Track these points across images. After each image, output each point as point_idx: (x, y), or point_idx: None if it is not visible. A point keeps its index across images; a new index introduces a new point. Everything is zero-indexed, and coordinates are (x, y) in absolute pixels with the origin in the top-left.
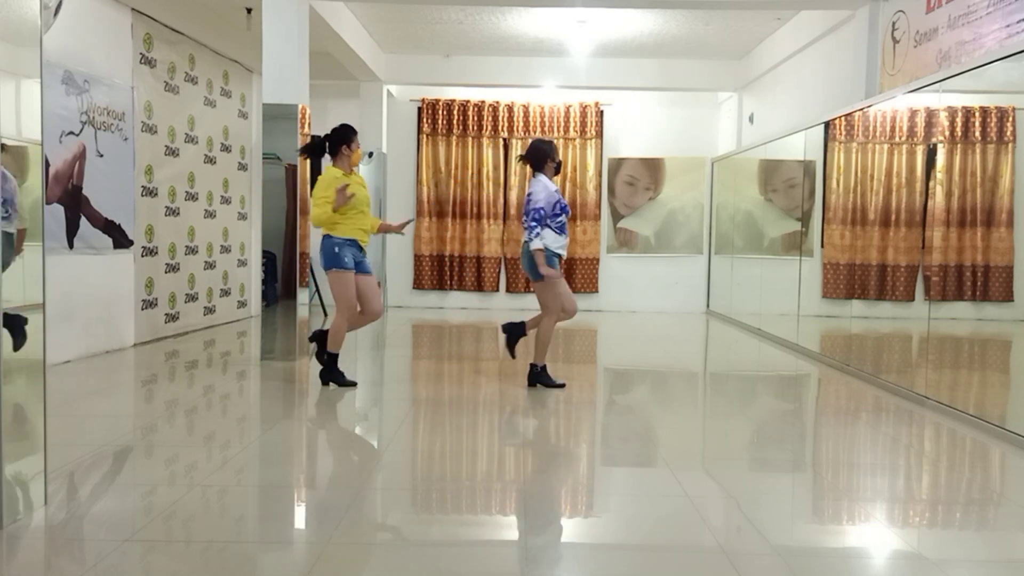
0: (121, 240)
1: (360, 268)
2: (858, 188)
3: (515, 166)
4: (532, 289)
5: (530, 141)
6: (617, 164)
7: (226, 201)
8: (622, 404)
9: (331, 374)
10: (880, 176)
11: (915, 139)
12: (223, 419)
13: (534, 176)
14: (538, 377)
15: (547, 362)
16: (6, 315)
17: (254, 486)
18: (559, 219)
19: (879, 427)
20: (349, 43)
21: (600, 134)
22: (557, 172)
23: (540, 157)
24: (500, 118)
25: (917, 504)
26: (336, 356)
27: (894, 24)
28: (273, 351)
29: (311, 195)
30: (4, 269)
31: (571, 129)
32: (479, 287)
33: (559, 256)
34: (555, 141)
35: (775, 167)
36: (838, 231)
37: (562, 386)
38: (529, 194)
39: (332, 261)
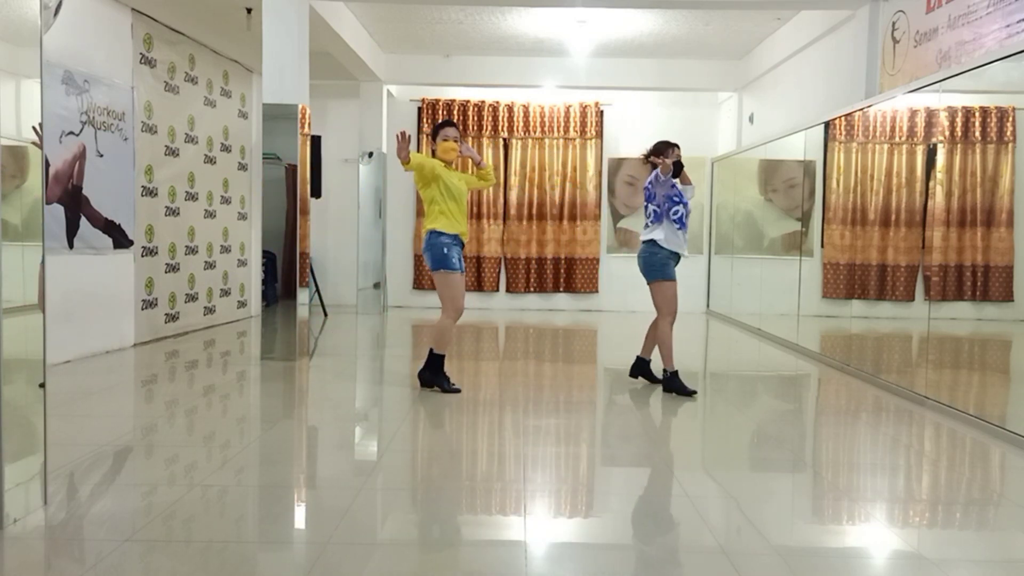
0: (121, 240)
1: (461, 267)
2: (858, 188)
3: (515, 166)
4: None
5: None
6: (617, 164)
7: (226, 201)
8: (622, 404)
9: (437, 377)
10: (880, 176)
11: (915, 139)
12: (223, 419)
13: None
14: (671, 383)
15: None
16: None
17: (254, 486)
18: (677, 211)
19: (879, 427)
20: (349, 43)
21: (600, 134)
22: (678, 172)
23: (654, 153)
24: (500, 118)
25: (917, 504)
26: (442, 358)
27: (894, 24)
28: (273, 351)
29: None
30: None
31: (571, 129)
32: (479, 287)
33: (678, 256)
34: (677, 147)
35: (775, 167)
36: (838, 231)
37: (694, 393)
38: (649, 183)
39: (441, 263)
